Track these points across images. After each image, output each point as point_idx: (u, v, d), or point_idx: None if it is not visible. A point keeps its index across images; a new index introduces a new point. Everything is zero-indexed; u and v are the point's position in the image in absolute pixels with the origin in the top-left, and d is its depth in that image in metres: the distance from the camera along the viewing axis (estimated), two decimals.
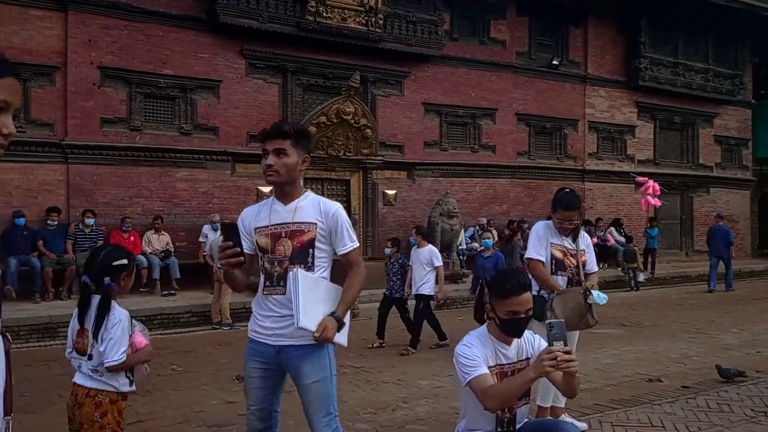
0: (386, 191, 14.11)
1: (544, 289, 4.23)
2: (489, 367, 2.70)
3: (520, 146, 16.08)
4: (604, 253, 16.00)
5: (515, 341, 2.80)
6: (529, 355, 2.83)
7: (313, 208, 2.83)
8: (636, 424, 4.49)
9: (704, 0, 16.61)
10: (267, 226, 2.83)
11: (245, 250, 2.75)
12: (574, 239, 4.35)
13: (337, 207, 2.86)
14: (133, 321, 2.96)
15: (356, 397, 5.74)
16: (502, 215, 15.49)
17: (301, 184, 2.96)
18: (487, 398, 2.58)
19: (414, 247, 8.44)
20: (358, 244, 2.92)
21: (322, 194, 13.76)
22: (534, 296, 4.10)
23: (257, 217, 2.89)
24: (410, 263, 8.36)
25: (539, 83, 16.29)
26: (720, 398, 4.93)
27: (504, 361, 2.78)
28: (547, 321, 2.53)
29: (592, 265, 4.47)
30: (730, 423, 4.45)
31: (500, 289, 2.69)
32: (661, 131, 18.61)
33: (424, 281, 8.13)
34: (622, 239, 15.95)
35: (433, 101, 14.67)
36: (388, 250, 8.81)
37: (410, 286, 8.27)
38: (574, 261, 4.33)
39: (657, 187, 15.41)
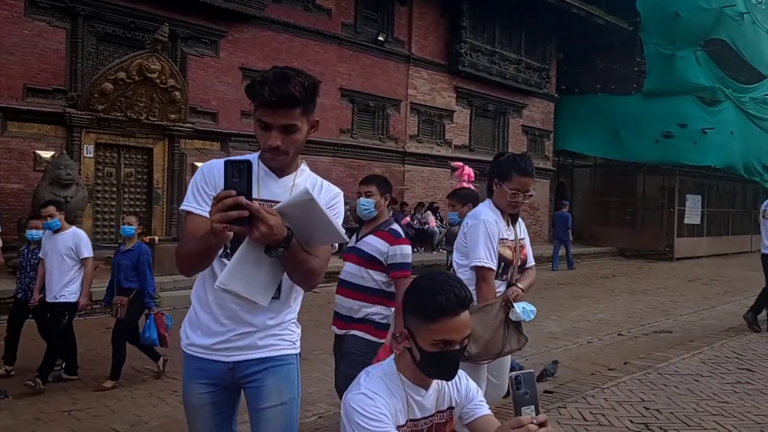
0: (196, 164, 12.54)
1: None
2: (398, 427, 1.75)
3: (343, 123, 15.30)
4: (421, 236, 15.86)
5: (435, 384, 1.86)
6: (453, 404, 1.90)
7: (312, 186, 2.10)
8: None
9: None
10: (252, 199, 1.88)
11: (205, 213, 1.93)
12: (514, 223, 3.32)
13: (340, 195, 2.16)
14: None
15: None
16: None
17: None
18: None
19: (47, 233, 5.69)
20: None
21: (118, 164, 12.17)
22: None
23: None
24: (40, 255, 5.77)
25: (364, 58, 15.60)
26: (591, 406, 4.42)
27: (418, 415, 1.82)
28: (513, 374, 1.60)
29: (532, 258, 3.43)
30: None
31: (427, 307, 1.70)
32: (477, 118, 18.91)
33: (67, 282, 5.57)
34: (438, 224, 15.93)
35: (252, 66, 13.32)
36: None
37: (40, 290, 5.68)
38: (516, 257, 3.28)
39: (471, 173, 15.50)
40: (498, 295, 3.18)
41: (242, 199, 1.68)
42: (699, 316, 9.59)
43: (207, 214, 1.86)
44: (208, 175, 2.05)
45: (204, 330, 2.07)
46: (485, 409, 1.91)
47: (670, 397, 4.69)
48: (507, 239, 3.24)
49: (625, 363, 5.89)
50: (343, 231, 1.93)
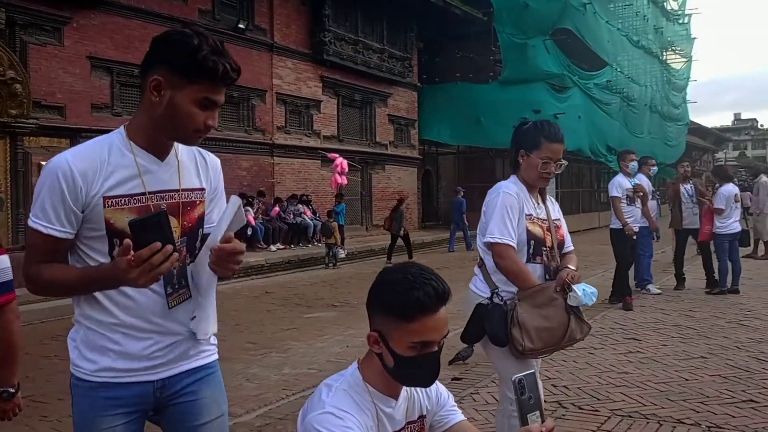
0: (42, 163, 11.34)
1: (500, 291, 2.76)
2: None
3: None
4: (296, 229, 15.50)
5: (405, 391, 1.60)
6: (425, 412, 1.65)
7: (194, 163, 1.81)
8: None
9: None
10: (140, 195, 1.66)
11: (67, 235, 1.62)
12: (544, 201, 2.92)
13: (218, 160, 1.93)
14: None
15: None
16: None
17: None
18: None
19: None
20: None
21: None
22: (482, 305, 2.75)
23: (107, 173, 1.63)
24: None
25: (226, 47, 14.84)
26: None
27: (389, 429, 1.56)
28: (516, 377, 1.37)
29: (570, 242, 3.00)
30: None
31: (402, 305, 1.43)
32: (344, 107, 18.74)
33: None
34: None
35: (101, 56, 12.25)
36: None
37: None
38: (550, 238, 2.87)
39: (345, 164, 15.38)
40: (534, 280, 2.78)
41: (169, 247, 1.49)
42: None
43: (69, 236, 1.62)
44: (70, 180, 1.59)
45: (117, 350, 1.69)
46: (459, 415, 1.70)
47: (573, 372, 4.75)
48: (534, 216, 2.83)
49: None
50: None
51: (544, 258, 2.83)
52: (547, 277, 2.82)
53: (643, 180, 8.41)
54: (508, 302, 2.72)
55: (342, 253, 14.12)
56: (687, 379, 4.66)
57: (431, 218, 23.31)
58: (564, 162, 2.86)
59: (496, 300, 2.73)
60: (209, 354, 1.87)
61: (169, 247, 1.48)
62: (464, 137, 21.91)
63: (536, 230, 2.81)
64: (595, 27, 22.32)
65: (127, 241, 1.46)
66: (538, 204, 2.88)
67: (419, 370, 1.48)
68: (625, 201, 8.01)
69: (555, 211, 2.99)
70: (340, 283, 11.76)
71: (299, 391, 5.01)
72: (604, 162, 24.18)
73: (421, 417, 1.64)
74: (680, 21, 32.39)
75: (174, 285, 1.73)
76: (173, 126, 1.65)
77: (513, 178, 2.90)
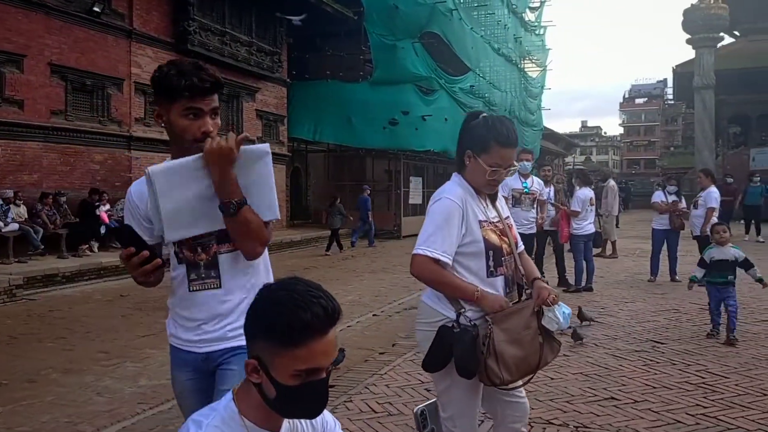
0: None
1: (466, 311, 2.39)
2: None
3: (55, 104, 13.33)
4: None
5: (287, 423, 1.41)
6: None
7: None
8: None
9: None
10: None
11: (149, 242, 2.04)
12: (494, 201, 2.62)
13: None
14: None
15: None
16: (33, 186, 12.64)
17: None
18: None
19: None
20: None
21: None
22: (447, 329, 2.39)
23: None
24: None
25: (78, 31, 13.74)
26: (376, 396, 4.21)
27: None
28: (418, 408, 1.22)
29: (521, 242, 2.70)
30: None
31: (286, 328, 1.24)
32: None
33: None
34: None
35: None
36: None
37: None
38: (506, 243, 2.54)
39: None
40: (490, 295, 2.42)
41: (146, 253, 1.92)
42: None
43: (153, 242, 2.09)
44: (132, 202, 2.14)
45: (181, 323, 2.17)
46: None
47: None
48: (487, 220, 2.50)
49: (393, 345, 5.90)
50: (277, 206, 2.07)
51: (505, 268, 2.51)
52: (507, 290, 2.51)
53: (535, 183, 8.12)
54: (477, 325, 2.38)
55: None
56: (552, 378, 4.79)
57: (300, 216, 22.98)
58: (515, 166, 2.55)
59: (464, 322, 2.37)
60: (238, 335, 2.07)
61: (144, 252, 1.89)
62: (335, 136, 21.83)
63: (493, 238, 2.48)
64: (461, 33, 23.03)
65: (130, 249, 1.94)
66: (488, 205, 2.57)
67: (306, 400, 1.30)
68: (510, 202, 7.64)
69: (504, 207, 2.68)
70: None
71: (157, 405, 4.65)
72: None
73: None
74: (537, 32, 34.27)
75: (200, 273, 2.09)
76: (176, 139, 2.02)
77: (457, 178, 2.56)
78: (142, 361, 5.99)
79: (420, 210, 22.91)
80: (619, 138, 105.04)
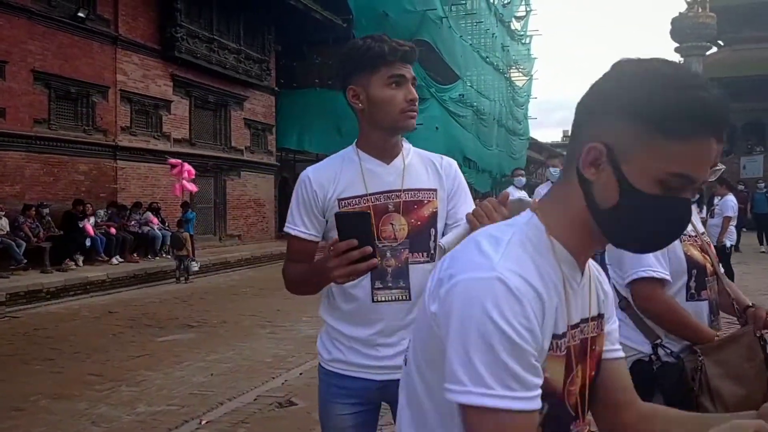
0: None
1: (664, 342, 2.03)
2: (555, 339, 0.94)
3: (38, 112, 12.84)
4: (143, 241, 14.20)
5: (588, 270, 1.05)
6: (603, 311, 1.09)
7: (426, 166, 1.90)
8: None
9: None
10: (363, 196, 1.82)
11: (311, 237, 1.86)
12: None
13: (454, 161, 1.96)
14: None
15: None
16: (15, 198, 12.14)
17: None
18: None
19: None
20: None
21: None
22: (644, 364, 2.01)
23: (337, 181, 1.83)
24: None
25: (62, 37, 13.28)
26: None
27: (574, 318, 0.98)
28: None
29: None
30: None
31: (679, 109, 0.85)
32: (197, 109, 17.56)
33: None
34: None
35: None
36: None
37: None
38: (710, 262, 2.15)
39: (192, 170, 14.31)
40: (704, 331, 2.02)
41: (369, 249, 1.50)
42: None
43: (311, 237, 1.85)
44: (309, 190, 1.85)
45: (347, 344, 1.85)
46: (621, 352, 1.14)
47: None
48: (691, 234, 2.14)
49: None
50: None
51: (710, 292, 2.09)
52: (712, 317, 2.07)
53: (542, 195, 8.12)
54: (684, 359, 1.97)
55: (195, 266, 13.07)
56: None
57: None
58: (720, 167, 2.12)
59: (664, 356, 2.02)
60: None
61: (368, 248, 1.51)
62: (324, 145, 21.41)
63: (695, 254, 2.09)
64: (450, 41, 22.83)
65: (335, 238, 1.54)
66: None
67: (655, 221, 0.90)
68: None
69: (698, 222, 2.26)
70: (194, 299, 10.79)
71: None
72: None
73: (600, 316, 1.07)
74: (523, 41, 34.26)
75: (386, 281, 1.80)
76: (377, 116, 1.78)
77: None
78: (139, 385, 5.58)
79: None
80: None
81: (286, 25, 19.81)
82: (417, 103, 1.80)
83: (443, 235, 1.83)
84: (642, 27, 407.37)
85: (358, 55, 1.78)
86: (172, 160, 14.40)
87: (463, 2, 25.66)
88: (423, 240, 1.82)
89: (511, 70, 33.13)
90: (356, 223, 1.53)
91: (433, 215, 1.84)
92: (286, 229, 1.89)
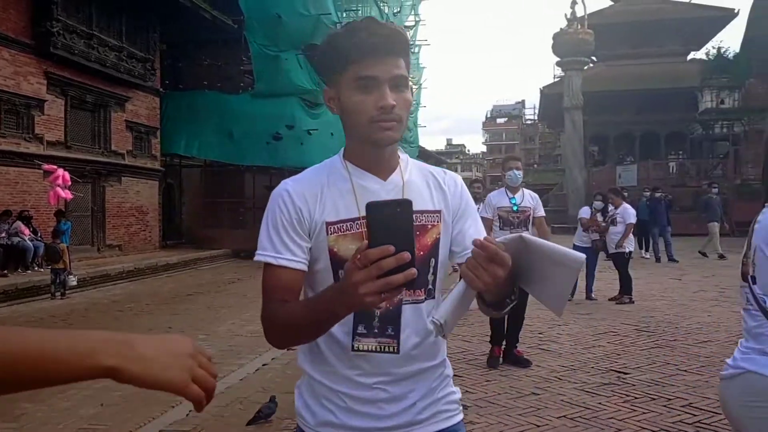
0: None
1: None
2: None
3: None
4: (12, 253, 12.90)
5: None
6: None
7: (428, 182, 1.56)
8: None
9: None
10: (355, 220, 1.45)
11: (301, 265, 1.45)
12: None
13: (458, 176, 1.63)
14: None
15: None
16: None
17: None
18: None
19: None
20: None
21: None
22: None
23: (323, 199, 1.47)
24: None
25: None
26: None
27: None
28: None
29: None
30: None
31: None
32: (73, 110, 16.20)
33: None
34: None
35: None
36: None
37: None
38: None
39: (68, 177, 13.20)
40: None
41: (407, 255, 1.11)
42: None
43: (301, 266, 1.44)
44: (290, 206, 1.46)
45: (340, 403, 1.46)
46: None
47: None
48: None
49: None
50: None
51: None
52: None
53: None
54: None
55: (73, 281, 12.01)
56: (539, 426, 4.32)
57: (173, 237, 21.41)
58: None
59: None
60: (450, 414, 1.56)
61: (406, 254, 1.10)
62: (214, 152, 20.55)
63: None
64: None
65: (364, 243, 1.15)
66: None
67: None
68: (497, 224, 6.13)
69: None
70: (74, 317, 9.86)
71: None
72: None
73: None
74: (413, 50, 34.74)
75: (372, 326, 1.46)
76: (351, 125, 1.45)
77: None
78: (17, 420, 4.89)
79: None
80: (481, 155, 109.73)
81: (173, 23, 18.80)
82: (396, 110, 1.39)
83: (441, 268, 1.52)
84: (527, 41, 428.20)
85: (328, 50, 1.45)
86: (47, 166, 13.21)
87: (356, 9, 25.60)
88: (422, 274, 1.47)
89: None
90: (394, 217, 1.13)
91: (436, 243, 1.51)
92: (263, 259, 1.47)
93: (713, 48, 34.65)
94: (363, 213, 1.41)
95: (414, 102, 22.83)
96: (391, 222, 1.12)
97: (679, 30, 34.62)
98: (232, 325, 9.01)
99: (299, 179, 1.52)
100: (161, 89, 19.89)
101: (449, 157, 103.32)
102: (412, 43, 34.42)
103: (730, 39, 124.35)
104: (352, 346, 1.45)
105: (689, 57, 36.26)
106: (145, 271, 15.63)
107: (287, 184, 1.50)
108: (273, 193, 1.50)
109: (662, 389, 5.15)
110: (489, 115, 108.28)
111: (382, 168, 1.49)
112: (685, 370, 5.68)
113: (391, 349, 1.45)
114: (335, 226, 1.45)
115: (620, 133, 34.92)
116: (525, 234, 1.31)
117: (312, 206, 1.45)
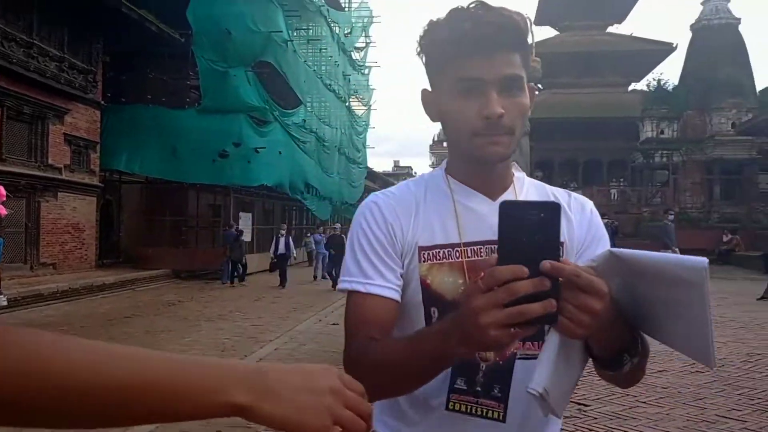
0: None
1: None
2: None
3: None
4: None
5: None
6: None
7: (566, 208, 1.27)
8: None
9: None
10: (454, 246, 1.19)
11: (395, 294, 1.17)
12: None
13: (589, 201, 1.30)
14: None
15: None
16: None
17: None
18: None
19: None
20: None
21: None
22: None
23: (416, 218, 1.21)
24: None
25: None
26: None
27: None
28: None
29: None
30: None
31: None
32: (9, 121, 15.40)
33: None
34: None
35: None
36: None
37: None
38: None
39: (3, 191, 12.48)
40: None
41: (546, 282, 0.82)
42: (294, 341, 9.21)
43: (395, 294, 1.16)
44: (381, 222, 1.20)
45: None
46: None
47: None
48: None
49: None
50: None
51: None
52: None
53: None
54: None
55: (3, 301, 11.28)
56: None
57: (110, 255, 20.51)
58: None
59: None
60: None
61: (545, 281, 0.81)
62: (157, 168, 19.86)
63: None
64: (294, 64, 22.41)
65: (493, 256, 1.02)
66: None
67: None
68: None
69: None
70: None
71: None
72: (299, 199, 24.23)
73: None
74: (363, 71, 34.80)
75: (474, 383, 1.15)
76: (452, 136, 1.20)
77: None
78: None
79: (248, 248, 21.55)
80: None
81: (117, 34, 18.19)
82: (505, 120, 1.11)
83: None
84: None
85: (426, 43, 1.18)
86: None
87: (306, 27, 25.45)
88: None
89: (352, 99, 33.48)
90: (534, 225, 0.84)
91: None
92: (348, 287, 1.18)
93: (653, 80, 35.89)
94: (464, 239, 1.17)
95: (364, 123, 22.87)
96: (531, 232, 0.84)
97: (621, 61, 35.72)
98: (173, 348, 8.59)
99: (390, 192, 1.26)
100: (102, 102, 19.17)
101: (396, 178, 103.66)
102: (362, 64, 34.49)
103: (670, 72, 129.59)
104: (447, 403, 1.16)
105: (630, 88, 37.43)
106: (81, 291, 14.88)
107: (376, 196, 1.25)
108: (359, 208, 1.26)
109: (624, 422, 5.04)
110: (436, 138, 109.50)
111: (492, 187, 1.22)
112: (645, 402, 5.60)
113: (496, 416, 1.16)
114: (429, 252, 1.19)
115: (565, 160, 35.64)
116: (614, 249, 0.98)
117: (405, 224, 1.20)
